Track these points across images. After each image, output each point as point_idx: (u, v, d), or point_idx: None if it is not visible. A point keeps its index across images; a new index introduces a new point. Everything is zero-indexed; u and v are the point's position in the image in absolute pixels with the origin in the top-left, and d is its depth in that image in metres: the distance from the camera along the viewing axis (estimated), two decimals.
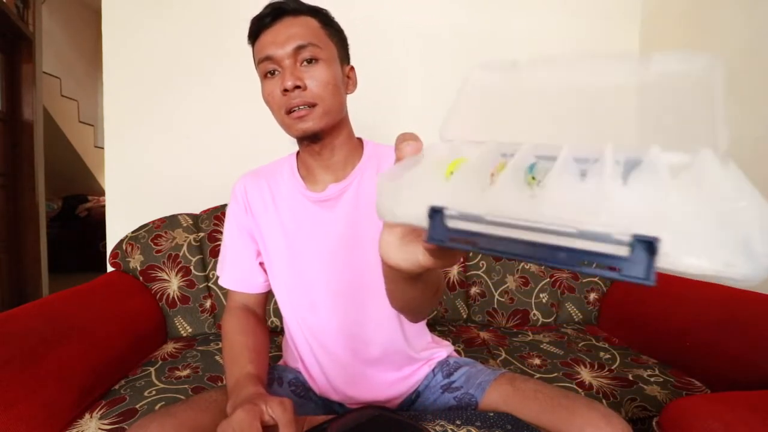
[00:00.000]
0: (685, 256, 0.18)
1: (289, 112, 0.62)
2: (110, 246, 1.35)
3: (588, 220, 0.19)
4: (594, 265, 0.19)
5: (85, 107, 4.29)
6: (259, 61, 0.64)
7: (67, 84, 4.01)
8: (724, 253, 0.17)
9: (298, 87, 0.60)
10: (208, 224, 1.29)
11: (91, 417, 0.75)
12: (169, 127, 1.46)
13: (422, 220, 0.23)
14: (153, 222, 1.28)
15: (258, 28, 0.64)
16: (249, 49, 0.68)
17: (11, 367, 0.69)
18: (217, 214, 1.30)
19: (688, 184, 0.21)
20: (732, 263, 0.17)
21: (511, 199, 0.22)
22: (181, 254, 1.23)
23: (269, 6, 0.63)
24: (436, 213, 0.23)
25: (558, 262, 0.20)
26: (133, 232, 1.26)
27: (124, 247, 1.23)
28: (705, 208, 0.18)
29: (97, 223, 3.47)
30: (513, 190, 0.23)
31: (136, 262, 1.21)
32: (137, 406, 0.78)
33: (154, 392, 0.83)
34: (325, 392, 0.72)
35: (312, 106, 0.61)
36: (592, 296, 1.36)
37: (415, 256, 0.30)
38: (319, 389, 0.73)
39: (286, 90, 0.60)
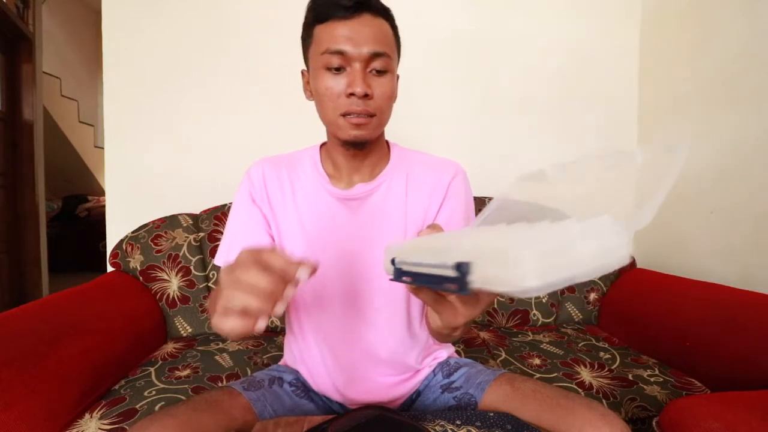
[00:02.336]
0: (490, 276, 0.27)
1: (345, 114, 0.60)
2: (110, 246, 1.35)
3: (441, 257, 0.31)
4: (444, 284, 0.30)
5: (85, 107, 4.29)
6: (326, 52, 0.58)
7: (67, 84, 4.01)
8: (499, 271, 0.27)
9: (366, 95, 0.58)
10: (208, 224, 1.29)
11: (91, 417, 0.75)
12: (169, 127, 1.46)
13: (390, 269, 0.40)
14: (153, 222, 1.28)
15: (331, 12, 0.58)
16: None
17: (11, 367, 0.69)
18: (217, 214, 1.30)
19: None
20: (518, 278, 0.25)
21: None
22: (181, 254, 1.23)
23: None
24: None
25: (433, 283, 0.33)
26: (133, 232, 1.26)
27: (124, 247, 1.23)
28: (502, 242, 0.28)
29: (97, 223, 3.46)
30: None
31: (136, 262, 1.21)
32: (137, 406, 0.78)
33: (154, 392, 0.83)
34: (327, 392, 0.72)
35: (371, 116, 0.60)
36: (592, 296, 1.36)
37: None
38: (320, 389, 0.73)
39: (352, 94, 0.58)
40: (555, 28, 1.59)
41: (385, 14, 0.61)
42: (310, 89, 0.65)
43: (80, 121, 4.17)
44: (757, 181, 1.14)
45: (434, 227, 0.41)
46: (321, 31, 0.59)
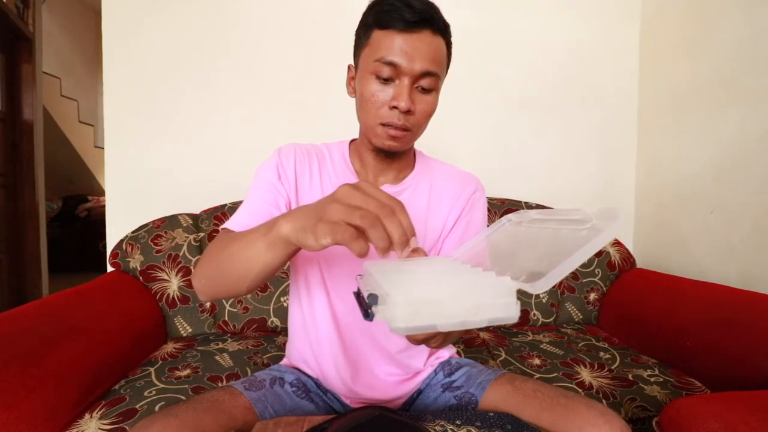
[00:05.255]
0: (379, 310, 0.33)
1: (384, 124, 0.61)
2: (110, 246, 1.35)
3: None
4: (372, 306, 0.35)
5: (85, 107, 4.29)
6: (378, 60, 0.58)
7: (67, 84, 4.01)
8: (385, 309, 0.32)
9: (408, 111, 0.59)
10: (208, 224, 1.29)
11: (91, 417, 0.75)
12: (169, 127, 1.46)
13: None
14: (153, 222, 1.28)
15: (392, 22, 0.57)
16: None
17: (11, 367, 0.69)
18: (217, 214, 1.30)
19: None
20: (391, 319, 0.31)
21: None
22: (181, 254, 1.23)
23: (421, 6, 0.57)
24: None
25: (361, 306, 0.38)
26: (133, 232, 1.26)
27: (124, 247, 1.23)
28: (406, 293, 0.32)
29: (97, 223, 3.46)
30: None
31: (136, 262, 1.21)
32: (137, 406, 0.78)
33: (154, 392, 0.83)
34: (332, 381, 0.72)
35: (407, 130, 0.61)
36: (592, 296, 1.36)
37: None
38: (326, 376, 0.72)
39: (395, 107, 0.59)
40: (555, 28, 1.59)
41: (444, 32, 0.61)
42: (354, 86, 0.66)
43: (80, 121, 4.17)
44: (757, 180, 1.14)
45: (417, 251, 0.42)
46: (378, 36, 0.59)
